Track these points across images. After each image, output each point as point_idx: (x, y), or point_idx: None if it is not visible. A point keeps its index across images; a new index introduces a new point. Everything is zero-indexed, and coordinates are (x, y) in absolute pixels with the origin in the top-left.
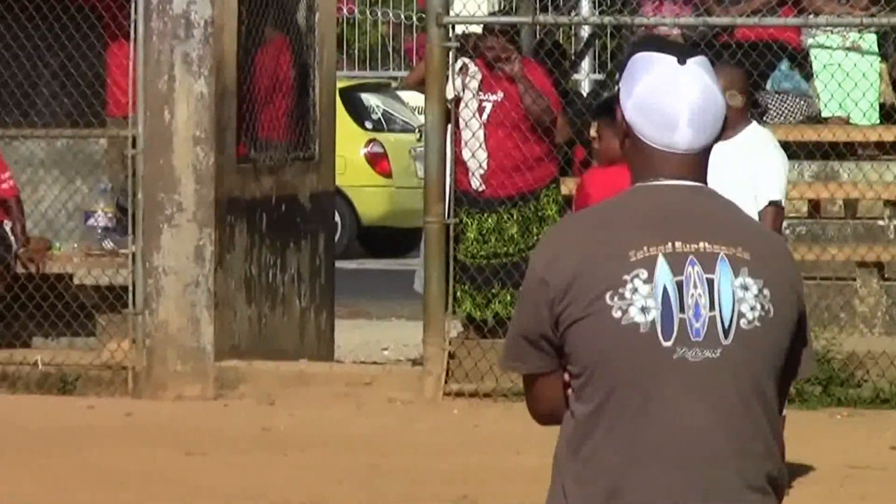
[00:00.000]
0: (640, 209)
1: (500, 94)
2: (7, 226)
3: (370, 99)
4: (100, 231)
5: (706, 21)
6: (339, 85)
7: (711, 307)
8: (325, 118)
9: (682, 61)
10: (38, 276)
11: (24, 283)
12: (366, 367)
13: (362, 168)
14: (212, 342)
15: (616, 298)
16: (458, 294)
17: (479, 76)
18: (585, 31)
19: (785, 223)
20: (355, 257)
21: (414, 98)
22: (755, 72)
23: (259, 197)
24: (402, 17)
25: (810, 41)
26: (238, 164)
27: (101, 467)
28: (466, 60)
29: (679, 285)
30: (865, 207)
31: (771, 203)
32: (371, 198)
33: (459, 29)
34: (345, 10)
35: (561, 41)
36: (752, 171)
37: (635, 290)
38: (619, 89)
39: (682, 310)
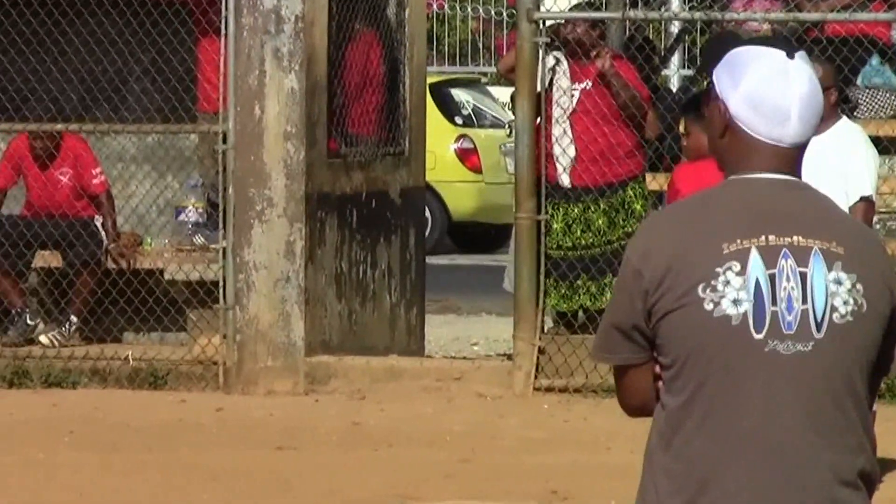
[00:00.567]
0: (735, 202)
1: (588, 83)
2: (98, 221)
3: (460, 94)
4: (190, 226)
5: (796, 17)
6: (430, 81)
7: (804, 301)
8: (415, 114)
9: (790, 55)
10: (129, 272)
11: (115, 279)
12: (456, 362)
13: (452, 164)
14: (302, 337)
15: (708, 290)
16: (543, 287)
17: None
18: (675, 27)
19: (875, 218)
20: (445, 253)
21: (504, 94)
22: (845, 67)
23: (349, 192)
24: (493, 12)
25: None
26: (328, 160)
27: (192, 462)
28: (559, 55)
29: (772, 278)
30: None
31: (862, 199)
32: (461, 193)
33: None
34: (435, 6)
35: (651, 37)
36: (842, 167)
37: (728, 283)
38: (713, 84)
39: (774, 303)
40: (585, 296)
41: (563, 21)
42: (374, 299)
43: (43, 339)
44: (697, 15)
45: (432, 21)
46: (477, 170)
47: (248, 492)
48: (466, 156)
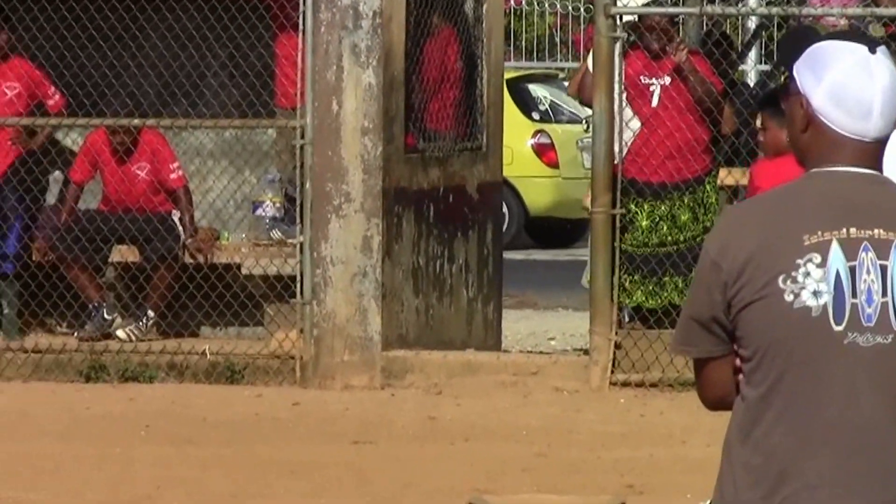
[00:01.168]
0: (816, 194)
1: (668, 78)
2: (175, 216)
3: (537, 90)
4: (268, 221)
5: (874, 12)
6: (507, 76)
7: (884, 293)
8: (492, 109)
9: (872, 50)
10: (207, 267)
11: (192, 274)
12: (532, 357)
13: (529, 159)
14: (379, 332)
15: (789, 282)
16: (627, 285)
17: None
18: (752, 22)
19: None
20: (522, 248)
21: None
22: None
23: (427, 187)
24: (570, 7)
25: None
26: (406, 155)
27: (269, 457)
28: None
29: (852, 270)
30: None
31: None
32: (538, 188)
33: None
34: (512, 2)
35: (728, 32)
36: None
37: (808, 274)
38: (793, 79)
39: (854, 295)
40: (673, 292)
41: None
42: (451, 294)
43: (120, 333)
44: (775, 10)
45: (510, 17)
46: (554, 165)
47: (325, 486)
48: (543, 151)
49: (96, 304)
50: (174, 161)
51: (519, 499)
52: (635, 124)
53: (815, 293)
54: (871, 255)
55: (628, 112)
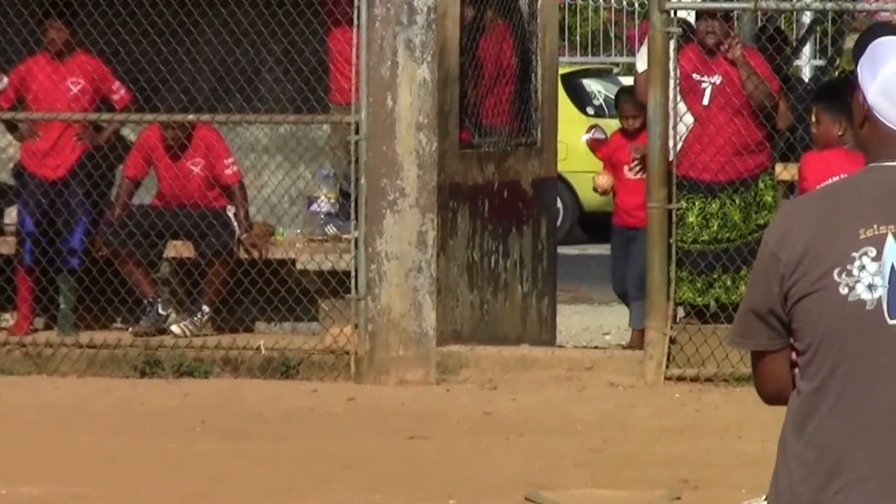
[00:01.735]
0: (873, 188)
1: (719, 78)
2: (230, 211)
3: (592, 85)
4: (322, 216)
5: None
6: (561, 71)
7: None
8: (547, 104)
9: None
10: (261, 262)
11: (247, 269)
12: (587, 352)
13: (584, 154)
14: (434, 327)
15: (844, 275)
16: (678, 280)
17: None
18: (807, 17)
19: None
20: (577, 243)
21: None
22: None
23: (481, 183)
24: (624, 2)
25: None
26: (461, 150)
27: (324, 451)
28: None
29: None
30: None
31: None
32: (592, 184)
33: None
34: None
35: (783, 27)
36: None
37: (863, 268)
38: (857, 74)
39: None
40: (721, 289)
41: (698, 15)
42: (505, 289)
43: (175, 328)
44: (829, 5)
45: (564, 11)
46: None
47: (380, 480)
48: (598, 146)
49: (151, 300)
50: (229, 156)
51: (573, 493)
52: (689, 119)
53: (870, 286)
54: None
55: (681, 107)
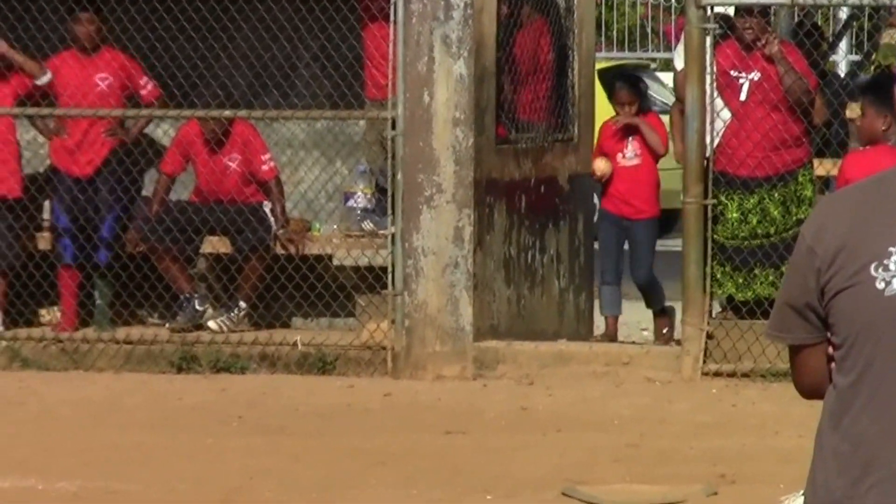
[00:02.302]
0: None
1: (757, 74)
2: (267, 207)
3: None
4: (359, 212)
5: None
6: (598, 67)
7: None
8: (584, 100)
9: None
10: (298, 258)
11: (283, 265)
12: (624, 347)
13: None
14: (471, 322)
15: (880, 269)
16: (719, 276)
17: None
18: (844, 13)
19: None
20: None
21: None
22: None
23: (518, 178)
24: None
25: None
26: (497, 146)
27: (360, 447)
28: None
29: None
30: None
31: None
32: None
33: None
34: None
35: (819, 22)
36: None
37: None
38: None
39: None
40: (763, 285)
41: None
42: (542, 284)
43: (212, 324)
44: (866, 1)
45: (601, 7)
46: None
47: (416, 476)
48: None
49: (188, 296)
50: (265, 152)
51: (611, 489)
52: (726, 114)
53: None
54: None
55: (718, 103)
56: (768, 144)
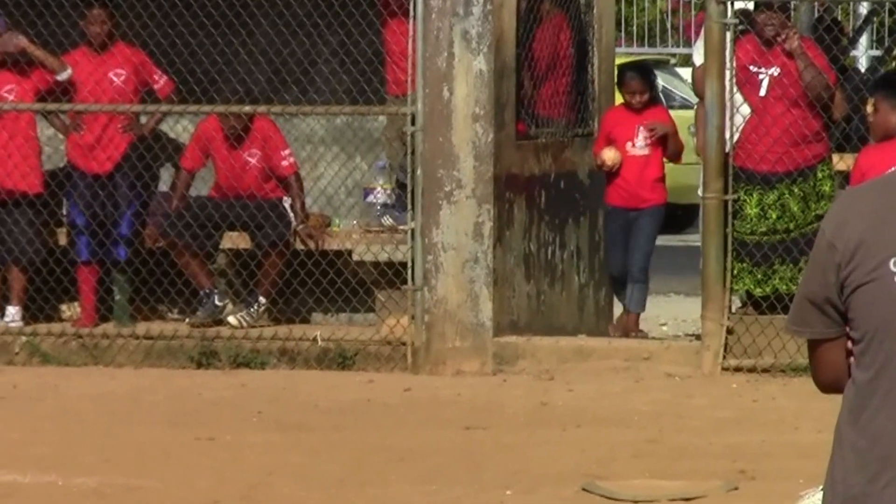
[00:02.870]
0: None
1: (777, 70)
2: (286, 202)
3: None
4: (379, 208)
5: None
6: (618, 62)
7: None
8: (603, 95)
9: None
10: (318, 253)
11: (303, 260)
12: (644, 342)
13: None
14: (491, 318)
15: None
16: (737, 271)
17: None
18: (864, 8)
19: None
20: None
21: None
22: None
23: (538, 174)
24: None
25: None
26: (517, 141)
27: (380, 442)
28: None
29: None
30: None
31: None
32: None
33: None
34: None
35: (839, 17)
36: None
37: None
38: None
39: None
40: (782, 281)
41: (756, 7)
42: (562, 280)
43: (231, 319)
44: None
45: (621, 2)
46: None
47: (436, 471)
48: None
49: (207, 291)
50: (285, 148)
51: (630, 484)
52: (745, 110)
53: None
54: None
55: (738, 98)
56: (788, 140)
